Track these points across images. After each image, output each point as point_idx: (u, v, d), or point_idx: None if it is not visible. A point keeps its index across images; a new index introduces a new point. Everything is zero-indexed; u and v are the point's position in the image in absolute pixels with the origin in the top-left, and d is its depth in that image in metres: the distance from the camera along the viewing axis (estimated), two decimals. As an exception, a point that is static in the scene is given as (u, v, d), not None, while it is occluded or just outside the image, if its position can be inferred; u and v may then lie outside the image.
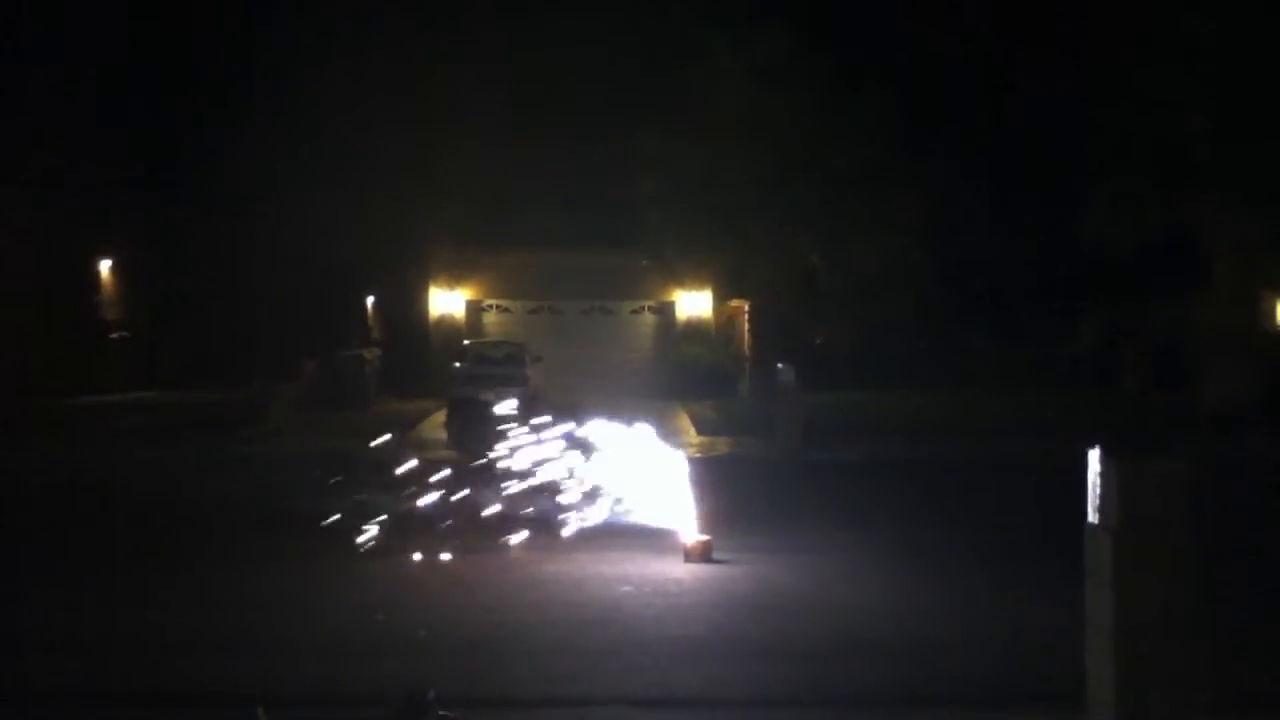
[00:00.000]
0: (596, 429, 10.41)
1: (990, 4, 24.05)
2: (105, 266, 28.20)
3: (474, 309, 28.29)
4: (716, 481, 11.27)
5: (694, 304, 27.99)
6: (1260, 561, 9.56)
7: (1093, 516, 5.68)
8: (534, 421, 10.80)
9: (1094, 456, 5.64)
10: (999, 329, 26.27)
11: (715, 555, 9.89)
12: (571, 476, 10.29)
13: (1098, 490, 5.64)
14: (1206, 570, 5.56)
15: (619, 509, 10.25)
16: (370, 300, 34.00)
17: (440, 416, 22.59)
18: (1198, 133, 20.67)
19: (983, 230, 24.26)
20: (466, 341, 25.59)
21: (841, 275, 24.96)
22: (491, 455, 10.76)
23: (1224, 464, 13.76)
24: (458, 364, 23.45)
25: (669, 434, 15.83)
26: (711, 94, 24.08)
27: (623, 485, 10.23)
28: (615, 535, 10.19)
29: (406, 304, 29.41)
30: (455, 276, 28.11)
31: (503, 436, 10.83)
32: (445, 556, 9.63)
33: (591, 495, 10.26)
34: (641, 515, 10.22)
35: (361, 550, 9.83)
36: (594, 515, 10.21)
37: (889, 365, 25.47)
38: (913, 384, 24.51)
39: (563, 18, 25.48)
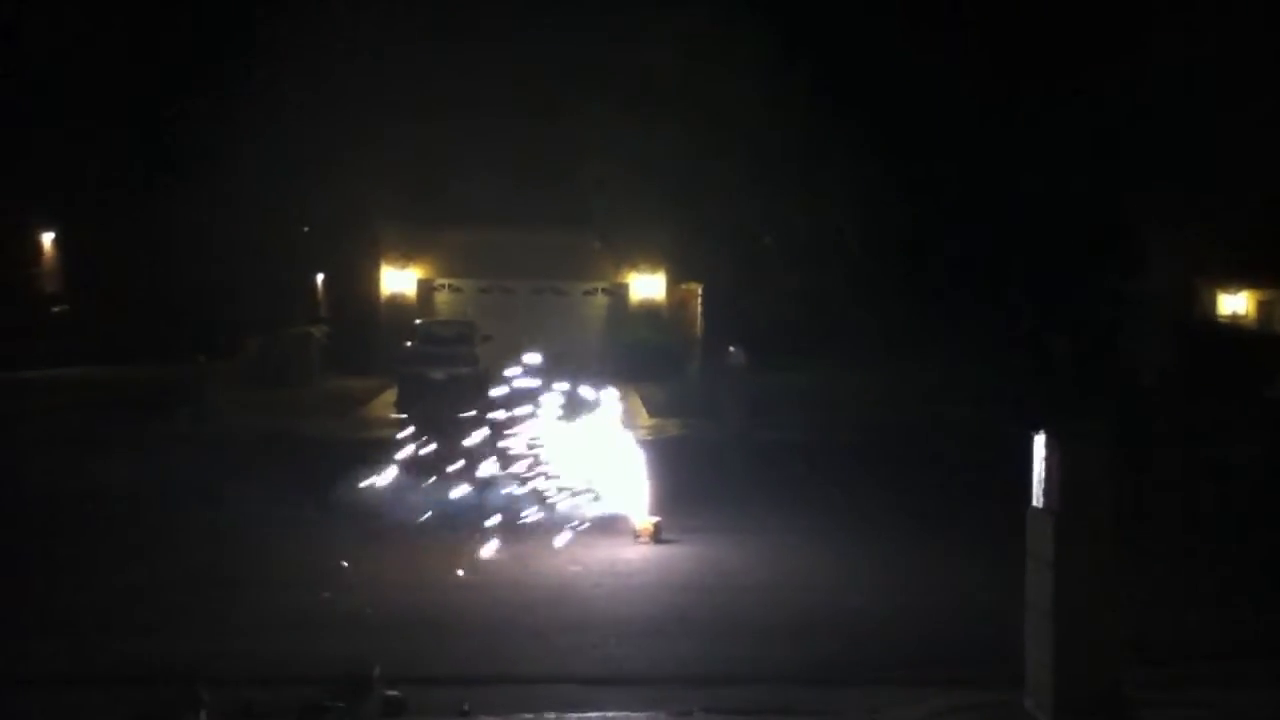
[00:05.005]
0: (548, 410, 10.39)
1: None
2: (46, 239, 27.62)
3: (425, 288, 28.08)
4: (666, 462, 11.29)
5: (647, 287, 27.96)
6: (1194, 536, 9.77)
7: (1037, 500, 5.77)
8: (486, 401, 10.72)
9: (1039, 442, 5.72)
10: (947, 305, 26.42)
11: (664, 536, 9.93)
12: (523, 458, 10.25)
13: (1042, 475, 5.72)
14: (1146, 548, 5.66)
15: (569, 490, 10.24)
16: (320, 278, 33.60)
17: (390, 395, 22.43)
18: (1132, 119, 21.03)
19: (921, 201, 24.25)
20: (417, 320, 25.42)
21: (777, 245, 25.07)
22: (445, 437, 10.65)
23: (1152, 441, 13.99)
24: (408, 343, 23.29)
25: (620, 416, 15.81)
26: (646, 66, 23.91)
27: (573, 466, 10.22)
28: (565, 516, 10.18)
29: (357, 282, 29.10)
30: (407, 255, 27.88)
31: (454, 416, 10.74)
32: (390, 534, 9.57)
33: (542, 476, 10.24)
34: (591, 496, 10.22)
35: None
36: (545, 497, 10.19)
37: (839, 344, 25.56)
38: (862, 362, 24.65)
39: None
